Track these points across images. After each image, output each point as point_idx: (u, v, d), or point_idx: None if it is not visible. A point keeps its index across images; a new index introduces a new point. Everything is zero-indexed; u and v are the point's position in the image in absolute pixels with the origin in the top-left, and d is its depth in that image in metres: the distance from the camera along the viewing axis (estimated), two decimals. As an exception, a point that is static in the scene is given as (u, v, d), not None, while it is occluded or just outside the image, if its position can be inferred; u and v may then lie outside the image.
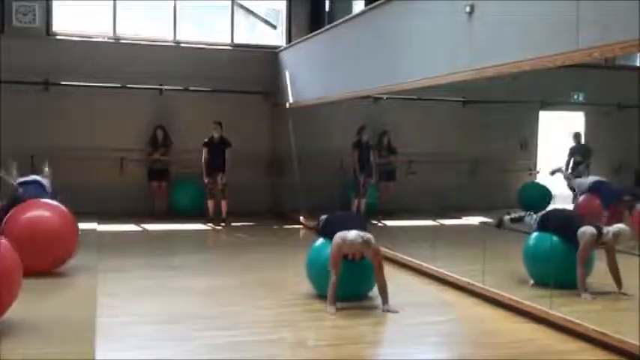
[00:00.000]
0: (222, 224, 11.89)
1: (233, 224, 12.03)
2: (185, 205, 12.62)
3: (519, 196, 13.61)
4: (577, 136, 13.92)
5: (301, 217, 12.38)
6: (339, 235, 6.20)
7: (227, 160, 11.90)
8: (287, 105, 12.91)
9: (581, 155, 13.55)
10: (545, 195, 14.01)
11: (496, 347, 5.38)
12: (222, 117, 12.39)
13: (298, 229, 12.20)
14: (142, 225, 11.60)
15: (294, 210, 12.68)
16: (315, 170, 12.36)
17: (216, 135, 11.95)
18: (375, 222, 12.11)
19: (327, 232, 6.69)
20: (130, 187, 12.74)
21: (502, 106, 14.32)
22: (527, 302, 6.18)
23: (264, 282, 7.51)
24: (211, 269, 8.24)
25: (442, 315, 6.33)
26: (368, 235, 6.13)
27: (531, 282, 7.25)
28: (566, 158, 13.71)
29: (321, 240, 6.83)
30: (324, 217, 6.90)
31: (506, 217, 7.85)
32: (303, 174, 12.72)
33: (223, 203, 11.99)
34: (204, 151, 11.92)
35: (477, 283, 6.94)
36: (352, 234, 6.10)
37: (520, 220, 7.61)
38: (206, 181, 11.94)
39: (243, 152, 12.76)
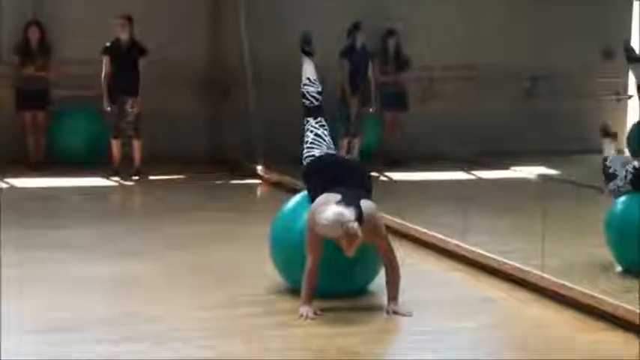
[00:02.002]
0: (135, 177, 11.86)
1: (151, 177, 12.01)
2: (75, 147, 12.54)
3: (631, 142, 13.69)
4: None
5: (259, 167, 12.38)
6: (318, 205, 6.16)
7: (141, 77, 11.81)
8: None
9: None
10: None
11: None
12: (134, 9, 12.24)
13: (255, 185, 12.20)
14: (8, 180, 11.54)
15: (247, 155, 12.66)
16: (281, 93, 12.30)
17: (123, 37, 11.83)
18: (376, 174, 12.14)
19: (312, 181, 6.69)
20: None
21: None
22: (611, 300, 6.27)
23: (203, 268, 7.52)
24: (118, 249, 8.22)
25: (477, 318, 6.37)
26: (351, 222, 5.89)
27: (618, 269, 7.35)
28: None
29: (294, 200, 6.86)
30: (317, 152, 6.85)
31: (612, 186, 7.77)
32: (263, 99, 12.66)
33: (136, 144, 11.95)
34: (106, 61, 11.80)
35: (532, 271, 7.00)
36: (329, 214, 5.92)
37: None
38: (108, 109, 11.86)
39: (167, 65, 12.64)
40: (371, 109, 12.94)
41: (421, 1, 13.68)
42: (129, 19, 11.87)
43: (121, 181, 11.80)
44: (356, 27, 12.81)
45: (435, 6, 13.92)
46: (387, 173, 12.66)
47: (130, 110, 11.86)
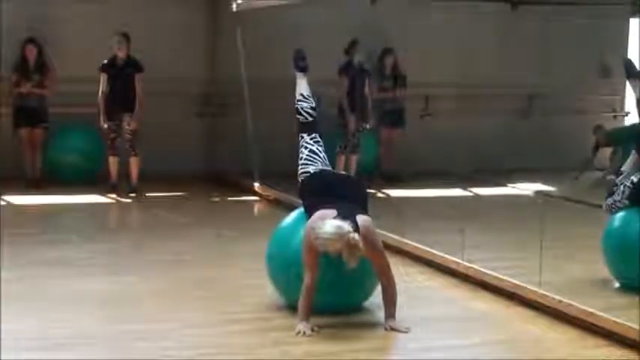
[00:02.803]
0: (133, 194, 11.87)
1: (149, 195, 12.00)
2: (72, 164, 12.53)
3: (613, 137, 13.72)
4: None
5: (256, 185, 12.36)
6: (314, 221, 6.19)
7: (138, 94, 11.84)
8: (234, 7, 12.82)
9: None
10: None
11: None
12: (132, 27, 12.27)
13: (251, 202, 12.20)
14: (6, 197, 11.53)
15: (243, 172, 12.66)
16: (279, 110, 12.28)
17: (120, 54, 11.85)
18: (373, 191, 12.14)
19: (307, 197, 6.70)
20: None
21: (573, 11, 14.35)
22: (608, 316, 6.26)
23: (199, 285, 7.51)
24: (115, 265, 8.24)
25: (476, 335, 6.38)
26: (352, 233, 5.98)
27: (616, 284, 7.36)
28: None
29: (290, 217, 6.85)
30: (312, 169, 6.85)
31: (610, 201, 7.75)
32: (260, 116, 12.66)
33: (133, 161, 11.95)
34: (103, 79, 11.82)
35: (529, 287, 7.00)
36: (328, 228, 6.00)
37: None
38: (105, 126, 11.87)
39: (164, 82, 12.64)
40: (368, 126, 12.94)
41: (418, 20, 13.69)
42: (126, 36, 11.88)
43: (118, 198, 11.76)
44: (352, 45, 12.84)
45: (433, 24, 13.94)
46: (385, 190, 12.66)
47: (127, 127, 11.85)
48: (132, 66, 11.86)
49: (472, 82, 14.06)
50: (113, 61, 11.86)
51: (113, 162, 11.97)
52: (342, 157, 12.64)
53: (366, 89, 12.88)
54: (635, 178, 7.44)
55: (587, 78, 14.83)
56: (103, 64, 11.85)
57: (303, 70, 7.35)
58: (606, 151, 14.03)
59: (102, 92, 11.79)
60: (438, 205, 12.06)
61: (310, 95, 7.18)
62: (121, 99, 11.78)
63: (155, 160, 12.43)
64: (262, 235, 7.25)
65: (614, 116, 15.38)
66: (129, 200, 11.77)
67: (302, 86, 7.26)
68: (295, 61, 7.41)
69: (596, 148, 14.07)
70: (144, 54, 12.12)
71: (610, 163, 13.80)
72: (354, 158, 12.79)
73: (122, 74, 11.81)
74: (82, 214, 11.08)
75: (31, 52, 12.41)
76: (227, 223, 10.51)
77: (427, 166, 12.99)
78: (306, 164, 6.88)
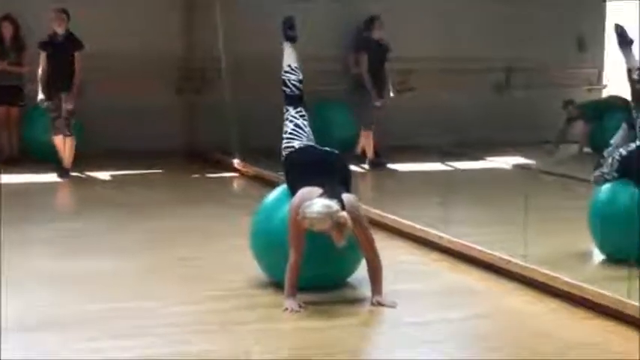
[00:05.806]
0: (64, 178, 11.58)
1: (126, 172, 11.92)
2: (48, 143, 12.39)
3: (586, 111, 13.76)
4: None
5: (235, 161, 12.32)
6: (299, 199, 6.13)
7: (77, 73, 11.53)
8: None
9: None
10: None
11: (546, 356, 5.43)
12: (108, 3, 12.20)
13: (231, 178, 12.16)
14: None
15: (223, 149, 12.62)
16: (258, 85, 12.25)
17: (59, 30, 11.55)
18: (354, 166, 12.11)
19: (291, 173, 6.60)
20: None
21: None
22: (594, 288, 6.26)
23: (181, 263, 7.45)
24: (92, 244, 8.15)
25: (461, 309, 6.36)
26: (340, 212, 5.92)
27: (600, 257, 7.35)
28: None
29: (274, 194, 6.77)
30: (297, 144, 6.72)
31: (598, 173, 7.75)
32: (239, 91, 12.60)
33: (67, 142, 11.58)
34: (42, 57, 11.52)
35: (514, 260, 7.00)
36: (315, 207, 5.92)
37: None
38: (44, 105, 11.53)
39: (141, 59, 12.59)
40: (387, 101, 12.89)
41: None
42: (64, 11, 11.56)
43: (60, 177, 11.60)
44: (372, 20, 12.83)
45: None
46: (365, 165, 12.65)
47: (64, 106, 11.46)
48: (71, 43, 11.56)
49: (450, 55, 14.07)
50: (52, 38, 11.57)
51: (58, 141, 11.60)
52: (369, 135, 12.62)
53: (386, 65, 12.79)
54: (624, 151, 7.46)
55: (564, 52, 14.88)
56: (42, 42, 11.59)
57: (292, 39, 7.12)
58: (579, 124, 14.12)
59: (41, 70, 11.48)
60: (418, 179, 12.06)
61: (298, 67, 7.00)
62: (59, 77, 11.45)
63: (134, 138, 12.43)
64: (242, 211, 7.22)
65: (589, 89, 15.46)
66: (108, 178, 11.68)
67: (290, 57, 7.05)
68: (284, 29, 7.17)
69: (569, 121, 14.16)
70: (120, 31, 12.06)
71: (582, 135, 13.91)
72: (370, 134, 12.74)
73: (61, 52, 11.49)
74: (59, 193, 11.01)
75: (7, 30, 12.40)
76: (207, 199, 10.49)
77: (407, 140, 13.00)
78: (291, 139, 6.77)
